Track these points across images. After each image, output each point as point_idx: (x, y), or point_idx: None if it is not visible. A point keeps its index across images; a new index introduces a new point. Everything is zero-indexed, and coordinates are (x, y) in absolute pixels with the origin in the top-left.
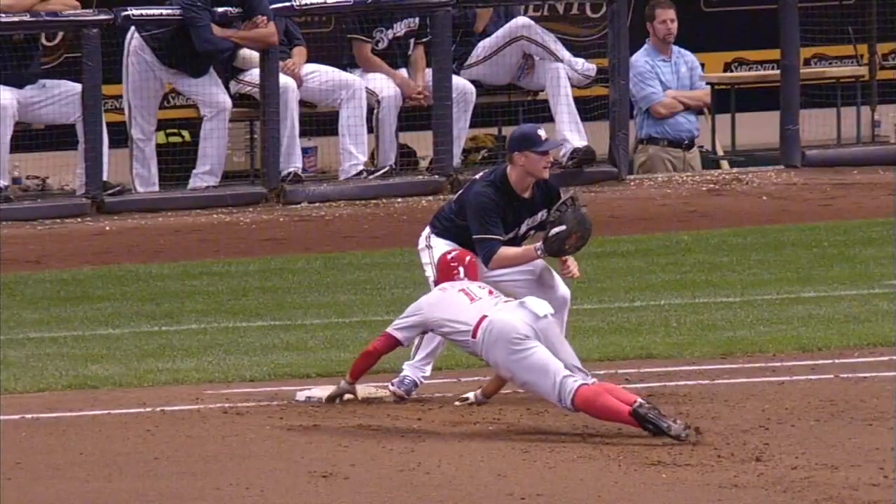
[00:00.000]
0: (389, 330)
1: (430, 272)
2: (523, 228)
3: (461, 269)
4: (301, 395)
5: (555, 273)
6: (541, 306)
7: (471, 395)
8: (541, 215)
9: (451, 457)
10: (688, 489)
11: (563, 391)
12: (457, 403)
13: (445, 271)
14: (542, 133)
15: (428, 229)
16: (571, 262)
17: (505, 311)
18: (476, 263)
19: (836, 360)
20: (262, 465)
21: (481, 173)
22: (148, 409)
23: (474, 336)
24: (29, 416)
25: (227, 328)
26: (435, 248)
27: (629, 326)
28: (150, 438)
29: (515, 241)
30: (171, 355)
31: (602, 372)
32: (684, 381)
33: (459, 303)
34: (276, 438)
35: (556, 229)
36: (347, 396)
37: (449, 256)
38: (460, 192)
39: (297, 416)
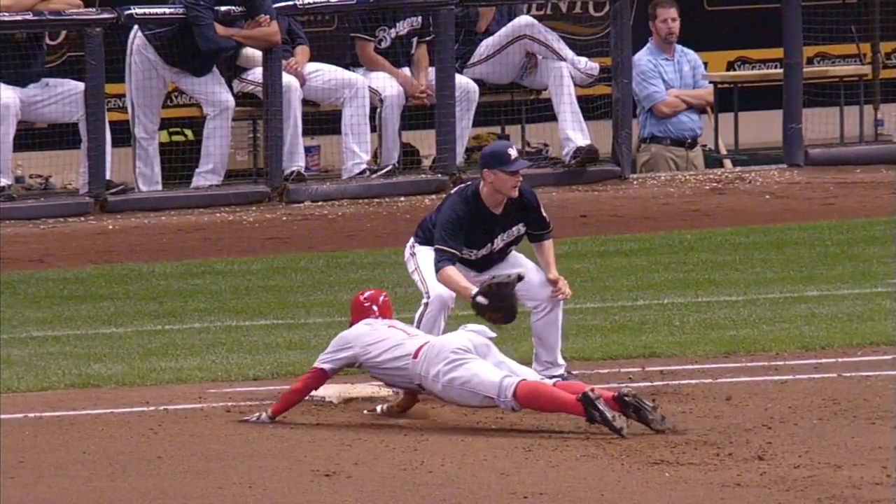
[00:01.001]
0: (317, 364)
1: (417, 277)
2: (499, 243)
3: (375, 308)
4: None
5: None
6: (481, 330)
7: (379, 408)
8: (516, 229)
9: (454, 455)
10: (690, 488)
11: (502, 388)
12: (365, 412)
13: (360, 311)
14: (512, 152)
15: (412, 239)
16: (563, 282)
17: (445, 335)
18: (389, 303)
19: (839, 359)
20: (265, 464)
21: (458, 186)
22: (151, 408)
23: (416, 357)
24: (32, 414)
25: (230, 327)
26: (419, 254)
27: (632, 325)
28: (152, 437)
29: (492, 256)
30: (174, 354)
31: (605, 371)
32: (687, 379)
33: (395, 335)
34: (279, 437)
35: (481, 298)
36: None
37: (362, 297)
38: (440, 203)
39: (299, 415)
